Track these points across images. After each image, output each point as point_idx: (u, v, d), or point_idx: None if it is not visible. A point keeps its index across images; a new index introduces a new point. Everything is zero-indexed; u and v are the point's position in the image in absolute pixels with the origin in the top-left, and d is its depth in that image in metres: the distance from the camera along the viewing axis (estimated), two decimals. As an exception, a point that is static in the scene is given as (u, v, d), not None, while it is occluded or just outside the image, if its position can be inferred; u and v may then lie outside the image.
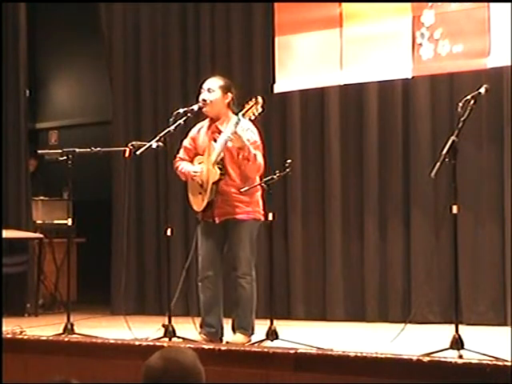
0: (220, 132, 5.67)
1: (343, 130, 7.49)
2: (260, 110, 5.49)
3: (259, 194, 5.74)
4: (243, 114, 5.47)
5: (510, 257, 6.65)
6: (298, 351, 4.37)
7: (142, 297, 8.31)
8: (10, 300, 7.90)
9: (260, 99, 5.48)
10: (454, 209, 4.87)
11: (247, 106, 5.49)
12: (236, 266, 5.64)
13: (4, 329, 5.87)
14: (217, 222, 5.68)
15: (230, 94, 5.77)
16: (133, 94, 8.54)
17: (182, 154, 5.91)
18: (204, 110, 5.78)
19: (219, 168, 5.61)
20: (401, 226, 7.19)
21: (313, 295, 7.54)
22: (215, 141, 5.67)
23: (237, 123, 5.46)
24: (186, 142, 5.93)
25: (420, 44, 7.02)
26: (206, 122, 5.86)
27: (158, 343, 5.08)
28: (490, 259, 6.83)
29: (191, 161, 5.84)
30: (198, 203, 5.74)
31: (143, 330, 5.95)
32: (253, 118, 5.53)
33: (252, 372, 4.38)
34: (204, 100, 5.75)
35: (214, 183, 5.62)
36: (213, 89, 5.76)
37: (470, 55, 6.80)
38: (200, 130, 5.87)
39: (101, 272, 8.57)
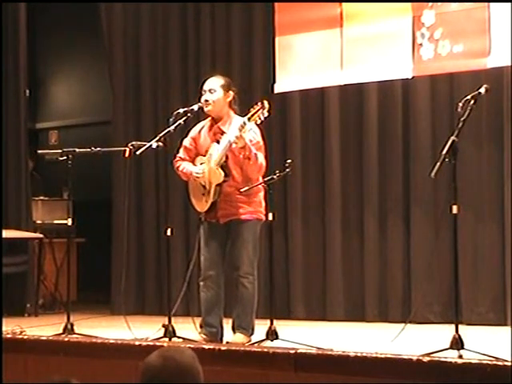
0: (223, 133, 5.64)
1: (343, 130, 7.48)
2: (266, 114, 5.37)
3: (261, 194, 5.72)
4: (249, 119, 5.37)
5: (509, 257, 6.64)
6: (298, 351, 4.36)
7: (142, 297, 8.31)
8: (9, 300, 7.89)
9: (266, 104, 5.35)
10: (454, 209, 4.87)
11: (253, 110, 5.38)
12: (238, 265, 5.62)
13: (4, 329, 5.86)
14: (221, 222, 5.67)
15: (231, 92, 5.75)
16: (133, 94, 8.54)
17: (182, 153, 5.88)
18: (206, 109, 5.76)
19: (223, 169, 5.58)
20: (401, 226, 7.19)
21: (313, 295, 7.54)
22: (218, 142, 5.63)
23: (242, 126, 5.37)
24: (187, 142, 5.89)
25: (420, 44, 7.02)
26: (207, 122, 5.83)
27: (158, 343, 5.07)
28: (490, 259, 6.83)
29: (192, 161, 5.82)
30: (201, 205, 5.72)
31: (143, 329, 5.94)
32: (259, 122, 5.42)
33: (252, 372, 4.38)
34: (207, 101, 5.71)
35: (217, 185, 5.59)
36: (214, 89, 5.73)
37: (470, 55, 6.80)
38: (201, 131, 5.83)
39: (101, 272, 8.57)
